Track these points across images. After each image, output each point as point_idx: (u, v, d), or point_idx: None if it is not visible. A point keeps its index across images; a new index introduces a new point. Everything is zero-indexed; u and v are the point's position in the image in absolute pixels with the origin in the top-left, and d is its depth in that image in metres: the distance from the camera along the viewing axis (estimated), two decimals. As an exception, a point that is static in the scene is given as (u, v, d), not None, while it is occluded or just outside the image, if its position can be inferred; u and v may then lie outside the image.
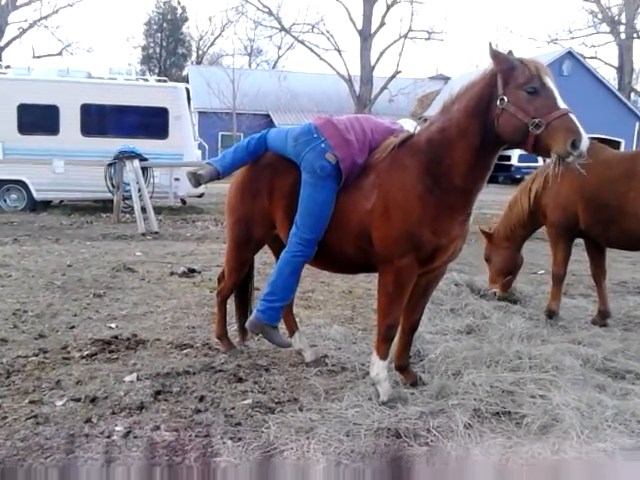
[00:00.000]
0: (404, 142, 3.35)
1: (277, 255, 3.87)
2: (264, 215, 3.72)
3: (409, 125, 3.73)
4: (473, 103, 3.09)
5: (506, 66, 2.98)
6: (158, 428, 2.98)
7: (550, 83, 2.93)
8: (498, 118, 2.99)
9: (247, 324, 3.80)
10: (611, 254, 5.67)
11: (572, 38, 35.11)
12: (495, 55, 3.02)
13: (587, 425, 2.99)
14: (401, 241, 3.21)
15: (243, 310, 4.34)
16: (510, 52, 3.12)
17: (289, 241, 3.58)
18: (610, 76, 35.40)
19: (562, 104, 2.88)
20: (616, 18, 31.68)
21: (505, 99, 2.95)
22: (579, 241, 5.33)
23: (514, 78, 2.95)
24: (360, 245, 3.41)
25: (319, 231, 3.48)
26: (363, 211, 3.34)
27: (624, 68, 31.28)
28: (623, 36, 31.06)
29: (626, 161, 4.86)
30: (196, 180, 3.87)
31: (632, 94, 32.68)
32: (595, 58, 34.43)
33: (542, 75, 2.92)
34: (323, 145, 3.44)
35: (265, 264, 6.66)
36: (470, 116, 3.09)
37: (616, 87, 31.81)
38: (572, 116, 2.85)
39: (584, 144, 2.80)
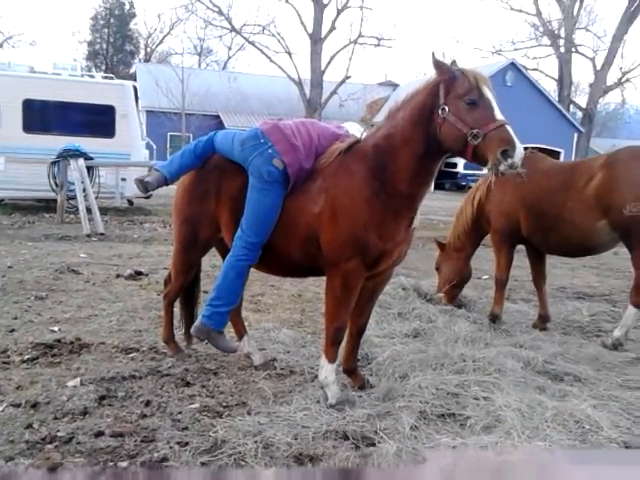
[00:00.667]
0: (350, 147, 3.40)
1: (224, 258, 3.85)
2: (211, 217, 3.70)
3: (354, 129, 3.78)
4: (416, 111, 3.17)
5: (448, 76, 3.06)
6: (102, 433, 2.92)
7: (489, 94, 3.02)
8: (440, 127, 3.07)
9: (192, 330, 3.75)
10: (551, 260, 5.88)
11: (515, 49, 36.21)
12: (438, 65, 3.09)
13: (528, 425, 3.10)
14: (348, 244, 3.25)
15: (189, 313, 4.31)
16: (454, 62, 3.18)
17: (234, 245, 3.57)
18: (551, 88, 36.73)
19: (499, 115, 2.98)
20: (556, 32, 32.86)
21: (446, 109, 3.03)
22: (521, 247, 5.52)
23: (455, 88, 3.03)
24: (307, 249, 3.43)
25: (264, 235, 3.49)
26: (311, 215, 3.37)
27: (564, 80, 32.46)
28: (562, 49, 32.25)
29: (565, 171, 5.06)
30: (144, 187, 3.81)
31: (571, 106, 33.93)
32: (537, 70, 35.56)
33: (481, 86, 3.01)
34: (270, 151, 3.45)
35: (215, 267, 6.60)
36: (414, 124, 3.17)
37: (556, 99, 32.99)
38: (508, 127, 2.95)
39: (517, 155, 2.89)
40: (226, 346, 3.80)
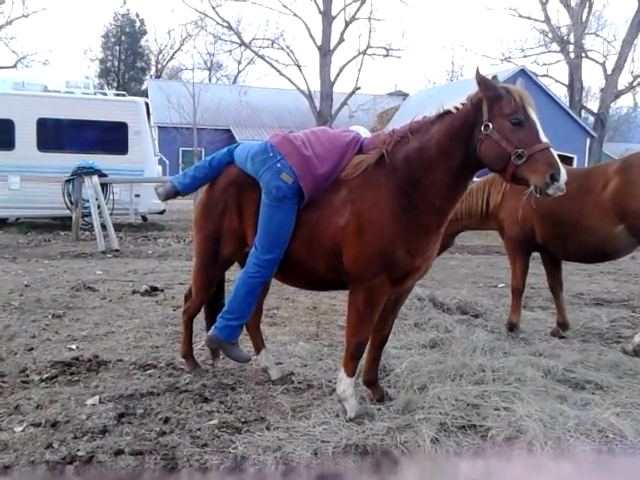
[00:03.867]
0: (379, 159, 3.32)
1: None
2: (234, 233, 3.67)
3: (362, 132, 3.75)
4: (457, 126, 3.13)
5: (493, 93, 3.03)
6: (122, 452, 2.91)
7: (534, 115, 3.01)
8: (481, 143, 3.05)
9: (206, 339, 3.81)
10: (567, 267, 5.84)
11: (525, 56, 36.10)
12: (483, 81, 3.05)
13: (550, 436, 3.06)
14: (374, 260, 3.20)
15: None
16: (495, 77, 3.16)
17: (247, 261, 3.57)
18: (561, 93, 36.58)
19: (544, 138, 2.98)
20: (565, 38, 32.74)
21: (490, 126, 3.01)
22: (536, 254, 5.47)
23: (500, 107, 3.01)
24: (331, 262, 3.37)
25: (277, 252, 3.45)
26: (335, 227, 3.31)
27: (574, 86, 32.28)
28: (572, 55, 32.12)
29: (579, 177, 5.01)
30: (157, 196, 3.88)
31: (582, 111, 33.75)
32: (547, 76, 35.44)
33: (527, 107, 3.00)
34: (279, 165, 3.41)
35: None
36: (452, 138, 3.13)
37: (567, 104, 32.83)
38: (552, 150, 2.96)
39: (563, 178, 2.92)
40: (238, 355, 3.80)
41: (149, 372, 4.07)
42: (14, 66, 39.40)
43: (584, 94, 36.26)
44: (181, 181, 3.87)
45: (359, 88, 29.71)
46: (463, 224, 5.66)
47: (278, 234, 3.42)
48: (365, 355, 3.60)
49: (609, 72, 30.64)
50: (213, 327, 3.72)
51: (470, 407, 3.46)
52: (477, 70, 3.07)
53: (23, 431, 3.10)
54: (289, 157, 3.43)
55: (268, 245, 3.45)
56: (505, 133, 2.98)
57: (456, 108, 3.19)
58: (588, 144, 32.11)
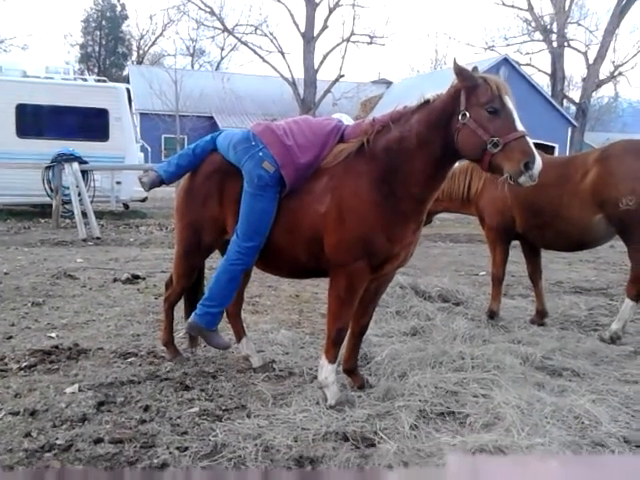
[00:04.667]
0: (359, 149, 3.35)
1: None
2: (215, 221, 3.69)
3: (345, 119, 3.76)
4: (435, 115, 3.16)
5: (470, 83, 3.06)
6: (102, 440, 2.91)
7: (510, 104, 3.04)
8: (459, 132, 3.08)
9: (186, 326, 3.84)
10: (548, 255, 5.90)
11: (508, 45, 36.19)
12: (460, 71, 3.08)
13: (527, 422, 3.10)
14: (354, 246, 3.23)
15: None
16: (475, 68, 3.21)
17: (229, 249, 3.58)
18: (544, 83, 36.77)
19: (520, 126, 3.00)
20: (548, 27, 32.86)
21: (467, 115, 3.03)
22: (516, 243, 5.52)
23: (477, 96, 3.04)
24: (312, 249, 3.40)
25: (258, 240, 3.48)
26: (316, 214, 3.34)
27: (557, 75, 32.45)
28: (555, 44, 32.26)
29: (559, 166, 5.06)
30: (142, 186, 3.85)
31: (564, 101, 33.96)
32: (530, 65, 35.54)
33: (503, 95, 3.03)
34: (261, 154, 3.43)
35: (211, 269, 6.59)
36: (431, 128, 3.16)
37: (549, 93, 33.02)
38: (528, 139, 2.99)
39: (537, 167, 2.94)
40: (219, 342, 3.82)
41: (129, 360, 4.06)
42: (-8, 50, 38.66)
43: (566, 83, 36.47)
44: (166, 169, 3.86)
45: (343, 76, 29.64)
46: (443, 206, 5.69)
47: (259, 222, 3.44)
48: (345, 344, 3.63)
49: (591, 62, 30.87)
50: (193, 314, 3.73)
51: (449, 394, 3.50)
52: (454, 61, 3.11)
53: (1, 419, 3.08)
54: (271, 146, 3.44)
55: (249, 233, 3.46)
56: (481, 122, 3.01)
57: (436, 97, 3.21)
58: (570, 133, 32.36)
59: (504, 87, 3.06)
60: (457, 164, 4.98)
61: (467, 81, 3.07)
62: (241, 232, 3.49)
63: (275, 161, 3.40)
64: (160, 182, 3.89)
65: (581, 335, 5.01)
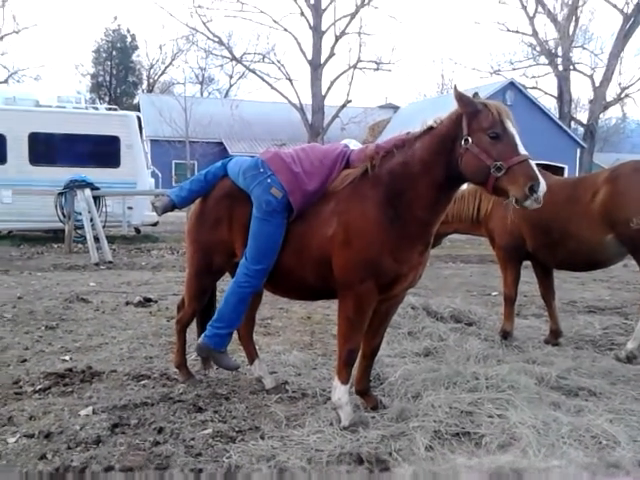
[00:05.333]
0: (364, 173, 3.40)
1: None
2: (224, 244, 3.74)
3: (353, 145, 3.81)
4: (438, 141, 3.21)
5: (471, 109, 3.10)
6: (116, 463, 2.90)
7: (511, 128, 3.07)
8: (461, 157, 3.11)
9: (195, 347, 3.87)
10: (560, 275, 5.88)
11: (513, 69, 36.54)
12: (460, 97, 3.13)
13: (544, 443, 3.06)
14: (361, 267, 3.26)
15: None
16: (476, 94, 3.25)
17: (238, 271, 3.63)
18: (551, 105, 36.91)
19: (522, 150, 3.03)
20: (553, 51, 33.12)
21: (469, 140, 3.07)
22: (528, 263, 5.50)
23: (478, 121, 3.08)
24: (320, 271, 3.44)
25: (267, 263, 3.53)
26: (323, 237, 3.39)
27: (563, 97, 32.61)
28: (560, 68, 32.48)
29: (568, 187, 5.07)
30: (155, 210, 3.94)
31: (572, 122, 34.05)
32: (536, 88, 35.80)
33: (504, 120, 3.06)
34: (269, 180, 3.50)
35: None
36: (434, 153, 3.21)
37: (557, 116, 33.13)
38: (531, 162, 3.01)
39: (542, 190, 2.96)
40: (228, 364, 3.86)
41: (143, 382, 4.06)
42: (6, 81, 39.53)
43: (573, 105, 36.60)
44: (178, 194, 3.95)
45: (350, 101, 29.87)
46: (454, 227, 5.70)
47: (267, 246, 3.50)
48: (357, 365, 3.62)
49: (597, 84, 31.03)
50: (203, 335, 3.77)
51: (464, 414, 3.46)
52: (455, 87, 3.16)
53: (16, 442, 3.09)
54: (279, 173, 3.52)
55: (258, 256, 3.52)
56: (484, 147, 3.04)
57: (439, 122, 3.26)
58: (578, 154, 32.38)
59: (505, 112, 3.10)
60: (465, 186, 5.04)
61: (468, 107, 3.11)
62: (250, 255, 3.54)
63: (283, 187, 3.47)
64: (172, 207, 3.97)
65: (596, 354, 4.96)
